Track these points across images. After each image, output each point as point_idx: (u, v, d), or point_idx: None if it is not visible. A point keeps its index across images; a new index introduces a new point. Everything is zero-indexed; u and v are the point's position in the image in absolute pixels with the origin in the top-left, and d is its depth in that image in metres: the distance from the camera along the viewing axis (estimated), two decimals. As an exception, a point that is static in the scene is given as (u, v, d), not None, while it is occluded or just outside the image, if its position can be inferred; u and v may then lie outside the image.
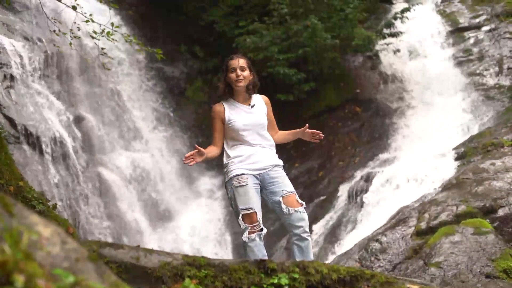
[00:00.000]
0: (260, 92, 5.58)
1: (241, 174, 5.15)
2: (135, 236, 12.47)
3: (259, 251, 4.98)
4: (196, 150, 5.12)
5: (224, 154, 5.33)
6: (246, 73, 5.34)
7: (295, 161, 14.71)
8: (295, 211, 5.09)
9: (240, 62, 5.35)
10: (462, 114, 14.11)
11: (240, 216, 5.05)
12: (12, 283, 1.43)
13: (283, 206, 5.09)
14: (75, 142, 12.41)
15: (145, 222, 13.03)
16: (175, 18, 17.31)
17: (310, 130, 5.57)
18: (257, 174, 5.20)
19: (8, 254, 1.46)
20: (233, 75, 5.31)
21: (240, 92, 5.39)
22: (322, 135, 5.56)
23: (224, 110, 5.35)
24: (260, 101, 5.50)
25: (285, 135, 5.68)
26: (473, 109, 14.07)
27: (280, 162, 5.39)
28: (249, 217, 5.03)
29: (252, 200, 5.07)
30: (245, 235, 5.00)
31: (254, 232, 5.00)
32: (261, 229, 5.05)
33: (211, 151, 5.30)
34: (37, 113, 11.87)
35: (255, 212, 5.04)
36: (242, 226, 5.04)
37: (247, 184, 5.11)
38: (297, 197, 5.20)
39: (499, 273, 6.63)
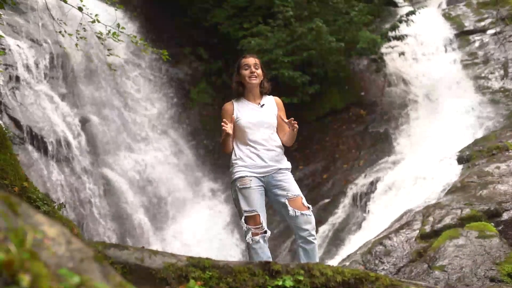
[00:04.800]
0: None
1: (244, 176, 5.15)
2: (139, 237, 12.47)
3: (264, 253, 4.97)
4: (231, 123, 5.19)
5: (232, 152, 5.34)
6: (259, 71, 5.37)
7: (299, 164, 14.71)
8: (302, 214, 5.07)
9: (254, 60, 5.41)
10: (467, 117, 14.08)
11: (243, 217, 5.05)
12: (18, 283, 1.42)
13: (290, 208, 5.08)
14: (80, 144, 12.43)
15: (149, 224, 13.04)
16: (180, 20, 17.32)
17: (287, 121, 5.30)
18: (261, 176, 5.19)
19: (14, 253, 1.46)
20: (246, 72, 5.33)
21: (252, 90, 5.38)
22: (295, 123, 5.24)
23: (233, 108, 5.35)
24: (271, 102, 5.48)
25: (287, 136, 5.48)
26: (478, 113, 14.04)
27: (287, 165, 5.35)
28: (253, 219, 5.03)
29: (255, 202, 5.07)
30: (249, 236, 4.99)
31: (258, 234, 4.99)
32: (265, 231, 5.04)
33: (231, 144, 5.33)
34: (42, 114, 11.89)
35: (258, 214, 5.04)
36: (244, 227, 5.04)
37: (250, 186, 5.11)
38: (304, 200, 5.17)
39: (503, 277, 6.61)
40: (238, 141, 5.32)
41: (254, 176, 5.16)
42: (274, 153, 5.29)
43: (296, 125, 5.24)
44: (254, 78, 5.33)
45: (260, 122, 5.28)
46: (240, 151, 5.26)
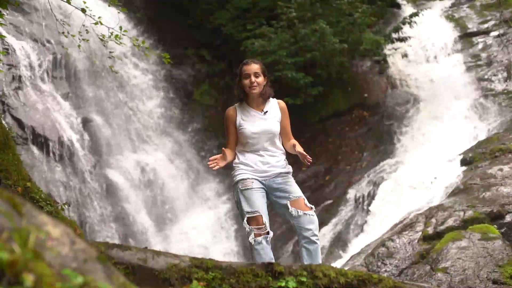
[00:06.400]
0: (267, 96, 5.53)
1: (246, 178, 5.15)
2: (141, 238, 12.48)
3: (266, 254, 4.96)
4: (221, 154, 5.13)
5: (235, 157, 5.33)
6: (260, 79, 5.25)
7: (302, 165, 14.70)
8: (304, 213, 5.06)
9: (254, 68, 5.26)
10: (470, 119, 14.07)
11: (246, 218, 5.04)
12: (22, 283, 1.42)
13: (292, 209, 5.07)
14: (82, 144, 12.44)
15: (151, 224, 13.04)
16: (183, 21, 17.33)
17: (300, 153, 5.26)
18: (263, 179, 5.19)
19: (18, 253, 1.46)
20: (247, 82, 5.24)
21: (254, 98, 5.34)
22: (310, 159, 5.20)
23: (236, 115, 5.32)
24: (275, 107, 5.41)
25: (291, 146, 5.42)
26: (481, 115, 14.03)
27: (289, 169, 5.34)
28: (255, 220, 5.01)
29: (257, 203, 5.06)
30: (251, 237, 4.98)
31: (260, 235, 4.98)
32: (267, 232, 5.04)
33: (230, 155, 5.26)
34: (45, 114, 11.91)
35: (261, 215, 5.03)
36: (247, 228, 5.02)
37: (252, 188, 5.10)
38: (306, 201, 5.17)
39: (506, 279, 6.60)
40: (241, 147, 5.31)
41: (256, 179, 5.16)
42: (277, 159, 5.29)
43: (309, 162, 5.20)
44: (254, 88, 5.23)
45: (263, 131, 5.25)
46: (243, 156, 5.26)
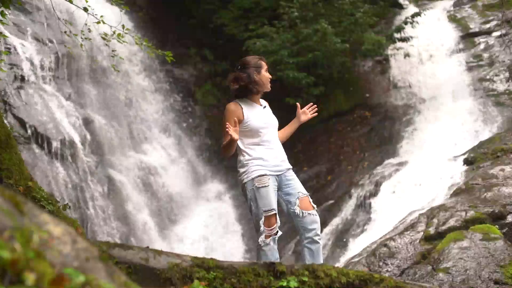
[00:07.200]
0: (269, 96, 5.56)
1: (263, 175, 5.05)
2: (142, 238, 12.47)
3: (272, 255, 4.91)
4: (236, 126, 5.01)
5: (241, 154, 5.21)
6: None
7: (303, 165, 14.70)
8: (309, 214, 5.05)
9: None
10: (472, 119, 14.06)
11: (263, 219, 4.97)
12: (23, 282, 1.43)
13: (297, 208, 5.05)
14: (84, 143, 12.44)
15: (153, 224, 13.04)
16: (185, 21, 17.34)
17: (301, 110, 5.58)
18: (276, 175, 5.14)
19: (19, 252, 1.46)
20: (268, 76, 5.37)
21: (259, 93, 5.38)
22: (315, 105, 5.54)
23: (242, 109, 5.27)
24: (266, 104, 5.52)
25: (285, 130, 5.58)
26: (483, 115, 14.02)
27: (290, 165, 5.38)
28: (268, 220, 4.96)
29: (273, 201, 5.00)
30: (261, 238, 4.92)
31: (270, 236, 4.95)
32: (276, 233, 5.01)
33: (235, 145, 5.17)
34: (46, 114, 11.91)
35: (275, 214, 5.00)
36: (261, 229, 4.96)
37: (269, 185, 5.02)
38: (310, 200, 5.17)
39: (507, 279, 6.60)
40: (247, 142, 5.19)
41: (271, 175, 5.10)
42: (283, 152, 5.31)
43: (314, 110, 5.56)
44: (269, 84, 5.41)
45: (270, 123, 5.29)
46: (253, 151, 5.15)
